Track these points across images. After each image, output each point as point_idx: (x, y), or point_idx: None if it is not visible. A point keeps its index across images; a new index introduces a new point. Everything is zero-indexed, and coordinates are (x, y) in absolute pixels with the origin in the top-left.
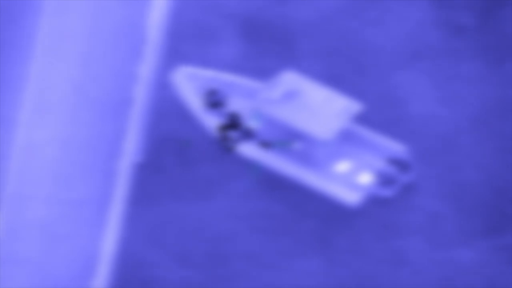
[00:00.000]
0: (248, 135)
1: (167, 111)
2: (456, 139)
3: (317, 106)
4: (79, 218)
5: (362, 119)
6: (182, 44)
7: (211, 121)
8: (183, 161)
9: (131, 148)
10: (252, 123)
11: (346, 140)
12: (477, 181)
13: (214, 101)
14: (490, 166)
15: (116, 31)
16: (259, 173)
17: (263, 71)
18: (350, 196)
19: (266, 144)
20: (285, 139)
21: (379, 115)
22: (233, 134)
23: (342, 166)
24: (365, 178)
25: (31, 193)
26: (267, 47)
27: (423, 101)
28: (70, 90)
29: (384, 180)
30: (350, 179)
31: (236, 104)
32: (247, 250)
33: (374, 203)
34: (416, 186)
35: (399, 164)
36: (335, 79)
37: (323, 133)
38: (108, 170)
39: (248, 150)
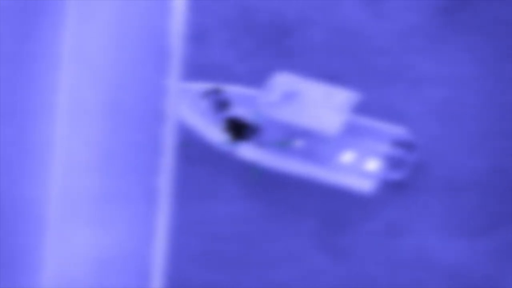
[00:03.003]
0: (252, 134)
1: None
2: (457, 138)
3: (317, 103)
4: (122, 231)
5: (362, 110)
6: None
7: (212, 131)
8: (184, 161)
9: (167, 158)
10: (254, 125)
11: (345, 131)
12: (478, 181)
13: (220, 101)
14: (491, 165)
15: (141, 38)
16: (260, 174)
17: (259, 72)
18: (362, 185)
19: (264, 145)
20: (288, 139)
21: (376, 110)
22: (239, 129)
23: (348, 157)
24: (373, 165)
25: (74, 214)
26: (263, 46)
27: (422, 99)
28: (100, 102)
29: (392, 163)
30: (358, 168)
31: (235, 111)
32: (249, 250)
33: (375, 200)
34: (425, 167)
35: (404, 145)
36: (330, 74)
37: (330, 128)
38: (147, 183)
39: (248, 151)
